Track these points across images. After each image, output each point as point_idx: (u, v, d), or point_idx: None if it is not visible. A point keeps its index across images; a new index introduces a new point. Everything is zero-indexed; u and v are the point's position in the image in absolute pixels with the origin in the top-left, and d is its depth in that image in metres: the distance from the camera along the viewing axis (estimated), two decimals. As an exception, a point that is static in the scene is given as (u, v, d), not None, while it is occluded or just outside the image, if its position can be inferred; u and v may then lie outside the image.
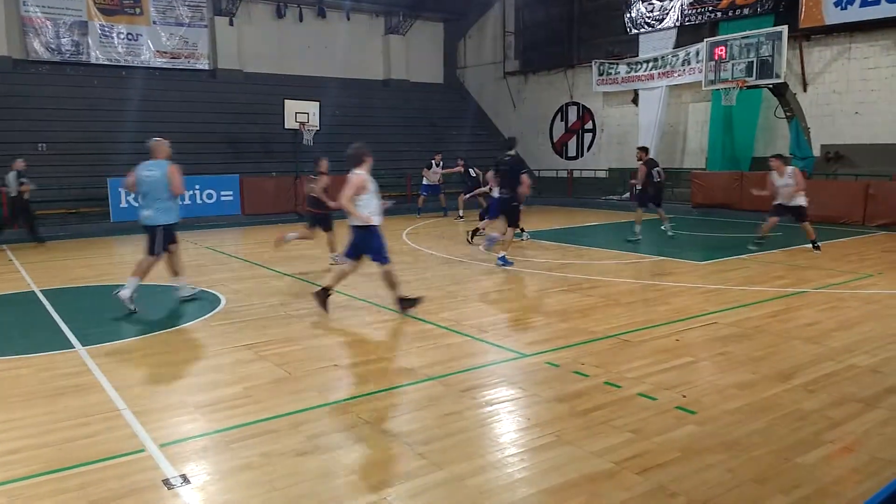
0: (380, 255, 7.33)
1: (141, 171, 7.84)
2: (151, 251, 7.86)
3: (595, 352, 6.00)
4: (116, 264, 12.29)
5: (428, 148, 23.69)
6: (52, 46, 20.64)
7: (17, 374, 5.64)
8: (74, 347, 6.38)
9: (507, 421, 4.59)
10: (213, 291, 8.89)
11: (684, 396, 4.86)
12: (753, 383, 5.12)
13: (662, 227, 13.20)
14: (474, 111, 27.58)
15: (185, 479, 3.73)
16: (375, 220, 7.20)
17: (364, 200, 7.11)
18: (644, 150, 13.29)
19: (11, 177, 14.11)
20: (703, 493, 3.51)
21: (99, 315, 7.99)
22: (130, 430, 4.43)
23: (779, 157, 11.48)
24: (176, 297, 8.31)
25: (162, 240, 7.89)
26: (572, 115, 24.26)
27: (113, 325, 7.27)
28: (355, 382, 5.36)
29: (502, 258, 10.36)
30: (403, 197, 20.30)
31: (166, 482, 3.71)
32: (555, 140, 24.96)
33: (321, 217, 10.79)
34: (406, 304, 7.46)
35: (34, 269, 11.01)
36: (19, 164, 14.23)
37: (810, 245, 11.19)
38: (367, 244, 7.29)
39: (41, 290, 9.17)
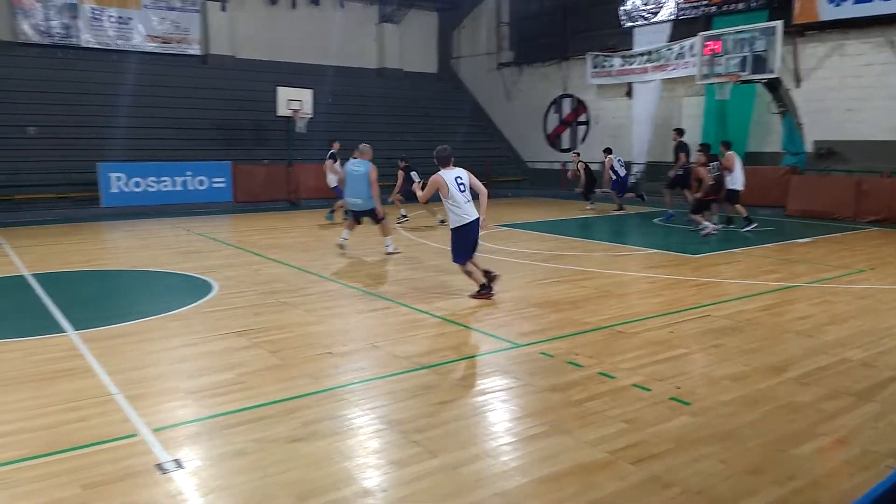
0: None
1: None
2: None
3: (589, 342, 6.01)
4: (108, 249, 12.22)
5: (423, 139, 23.43)
6: (42, 29, 20.38)
7: (8, 358, 5.58)
8: (66, 332, 6.32)
9: (500, 410, 4.58)
10: (205, 278, 8.83)
11: (678, 388, 4.87)
12: (747, 375, 5.14)
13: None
14: (469, 102, 27.47)
15: (179, 464, 3.71)
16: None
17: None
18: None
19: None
20: (697, 484, 3.52)
21: (91, 300, 7.93)
22: (123, 414, 4.40)
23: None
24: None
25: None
26: (566, 107, 24.23)
27: (105, 311, 7.21)
28: (349, 370, 5.34)
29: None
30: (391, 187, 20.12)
31: (160, 467, 3.68)
32: (548, 132, 24.94)
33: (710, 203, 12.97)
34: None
35: (24, 253, 10.89)
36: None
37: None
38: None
39: (32, 275, 9.07)
